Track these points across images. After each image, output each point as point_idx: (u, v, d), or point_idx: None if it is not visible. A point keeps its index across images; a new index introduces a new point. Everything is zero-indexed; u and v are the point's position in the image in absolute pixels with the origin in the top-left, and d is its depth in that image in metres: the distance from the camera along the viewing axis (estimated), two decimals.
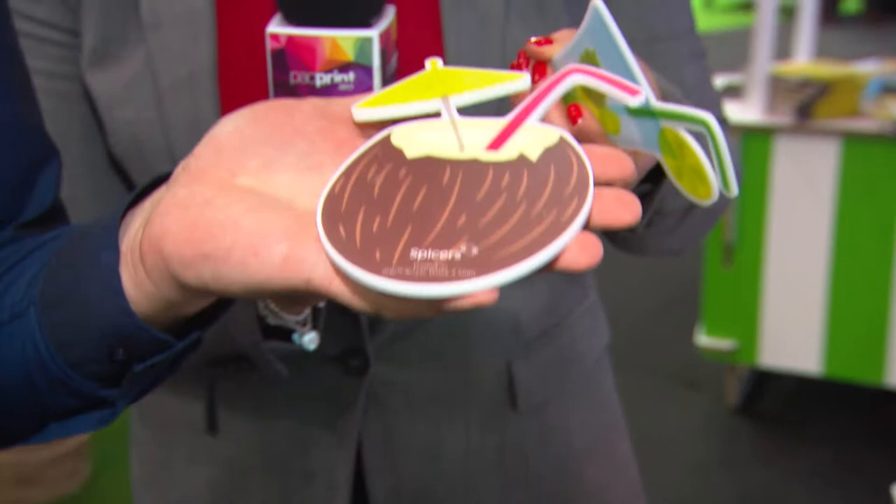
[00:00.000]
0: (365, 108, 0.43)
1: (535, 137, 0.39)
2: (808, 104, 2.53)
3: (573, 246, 0.35)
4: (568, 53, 0.58)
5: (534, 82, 0.61)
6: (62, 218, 0.56)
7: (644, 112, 0.53)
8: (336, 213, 0.38)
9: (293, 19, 0.64)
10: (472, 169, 0.38)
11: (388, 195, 0.38)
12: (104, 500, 2.47)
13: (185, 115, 0.70)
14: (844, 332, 2.63)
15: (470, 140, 0.40)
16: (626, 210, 0.37)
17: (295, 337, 0.69)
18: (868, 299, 2.59)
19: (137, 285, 0.43)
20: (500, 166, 0.38)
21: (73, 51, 0.71)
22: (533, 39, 0.59)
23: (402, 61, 0.69)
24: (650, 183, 0.67)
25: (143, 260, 0.42)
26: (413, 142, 0.40)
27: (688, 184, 0.54)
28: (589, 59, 0.55)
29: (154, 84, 0.70)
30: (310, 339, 0.69)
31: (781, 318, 2.70)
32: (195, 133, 0.70)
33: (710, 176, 0.51)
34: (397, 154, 0.40)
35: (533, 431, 0.81)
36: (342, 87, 0.63)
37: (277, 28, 0.64)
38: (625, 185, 0.40)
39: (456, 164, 0.39)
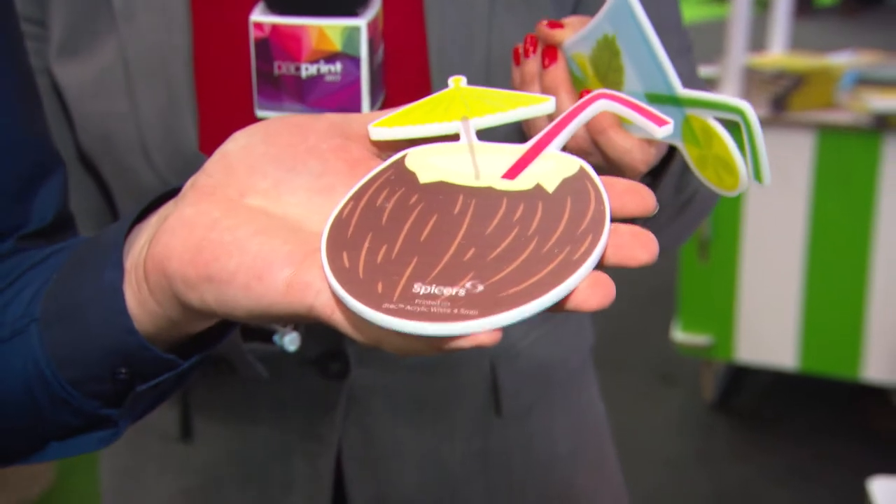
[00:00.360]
0: (381, 128, 0.42)
1: (554, 166, 0.38)
2: (783, 96, 2.54)
3: (584, 285, 0.34)
4: (583, 38, 0.57)
5: (544, 67, 0.61)
6: (70, 229, 0.55)
7: (667, 99, 0.53)
8: (342, 239, 0.37)
9: (277, 8, 0.62)
10: (486, 198, 0.37)
11: (396, 222, 0.37)
12: None
13: (159, 108, 0.68)
14: (820, 327, 2.64)
15: (486, 166, 0.39)
16: (642, 248, 0.36)
17: (276, 338, 0.68)
18: (844, 293, 2.61)
19: (141, 303, 0.43)
20: (514, 196, 0.37)
21: (42, 43, 0.70)
22: (545, 22, 0.58)
23: (386, 52, 0.68)
24: (649, 176, 0.66)
25: (146, 278, 0.42)
26: (427, 166, 0.40)
27: (712, 174, 0.54)
28: (608, 44, 0.54)
29: (126, 75, 0.68)
30: (290, 340, 0.68)
31: (757, 312, 2.72)
32: (170, 127, 0.68)
33: (738, 166, 0.51)
34: (410, 178, 0.39)
35: (517, 437, 0.81)
36: (328, 78, 0.62)
37: (261, 16, 0.62)
38: (645, 217, 0.39)
39: (469, 192, 0.38)
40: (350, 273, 0.35)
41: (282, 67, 0.62)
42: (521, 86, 0.63)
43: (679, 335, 2.77)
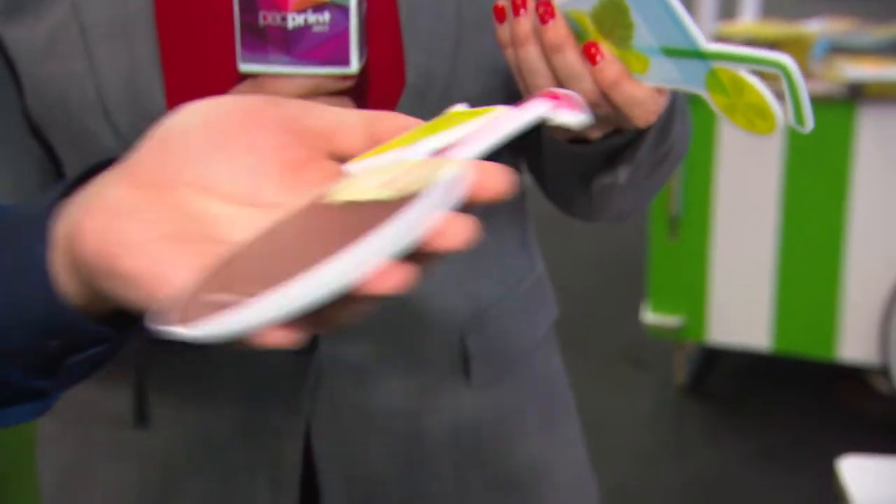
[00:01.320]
0: (356, 163, 0.43)
1: (430, 171, 0.37)
2: None
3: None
4: None
5: (543, 23, 0.61)
6: None
7: (689, 53, 0.56)
8: (219, 268, 0.38)
9: None
10: (336, 211, 0.38)
11: (258, 240, 0.39)
12: None
13: (119, 66, 0.67)
14: (794, 306, 2.65)
15: (387, 179, 0.38)
16: (455, 233, 0.35)
17: None
18: (818, 270, 2.61)
19: (67, 279, 0.43)
20: (361, 206, 0.37)
21: None
22: None
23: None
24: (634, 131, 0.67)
25: (69, 253, 0.42)
26: (343, 187, 0.40)
27: (743, 120, 0.59)
28: (613, 2, 0.57)
29: (82, 32, 0.66)
30: None
31: (729, 292, 2.71)
32: (133, 85, 0.67)
33: (775, 111, 0.56)
34: (320, 198, 0.40)
35: (488, 409, 0.81)
36: (316, 29, 0.62)
37: None
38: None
39: (333, 208, 0.38)
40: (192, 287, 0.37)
41: (267, 17, 0.62)
42: (514, 45, 0.62)
43: (649, 316, 2.76)
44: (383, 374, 0.76)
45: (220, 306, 0.34)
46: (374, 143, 0.43)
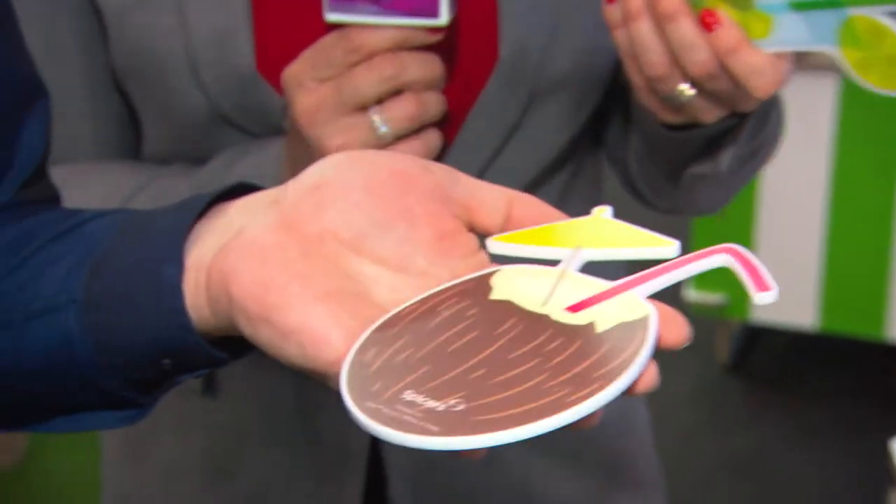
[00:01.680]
0: (500, 242, 0.44)
1: (621, 309, 0.40)
2: None
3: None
4: None
5: (706, 27, 0.58)
6: (44, 175, 0.55)
7: (819, 3, 0.54)
8: (384, 333, 0.40)
9: None
10: (533, 324, 0.40)
11: (439, 330, 0.40)
12: (42, 479, 2.43)
13: (210, 25, 0.66)
14: (842, 284, 2.62)
15: (563, 296, 0.41)
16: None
17: None
18: (867, 248, 2.58)
19: (196, 304, 0.43)
20: (559, 328, 0.39)
21: None
22: None
23: None
24: (737, 116, 0.66)
25: (208, 286, 0.43)
26: (508, 284, 0.42)
27: (877, 76, 0.56)
28: None
29: None
30: None
31: (775, 269, 2.63)
32: (224, 42, 0.67)
33: None
34: (484, 292, 0.42)
35: None
36: None
37: None
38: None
39: (523, 317, 0.40)
40: (364, 366, 0.38)
41: None
42: (626, 21, 0.61)
43: (692, 294, 2.74)
44: None
45: (445, 419, 0.35)
46: (510, 223, 0.44)
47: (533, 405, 0.35)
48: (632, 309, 0.40)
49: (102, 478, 0.84)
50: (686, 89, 0.62)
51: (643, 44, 0.60)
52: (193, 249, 0.44)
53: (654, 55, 0.60)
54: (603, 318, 0.39)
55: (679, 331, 0.39)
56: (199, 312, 0.44)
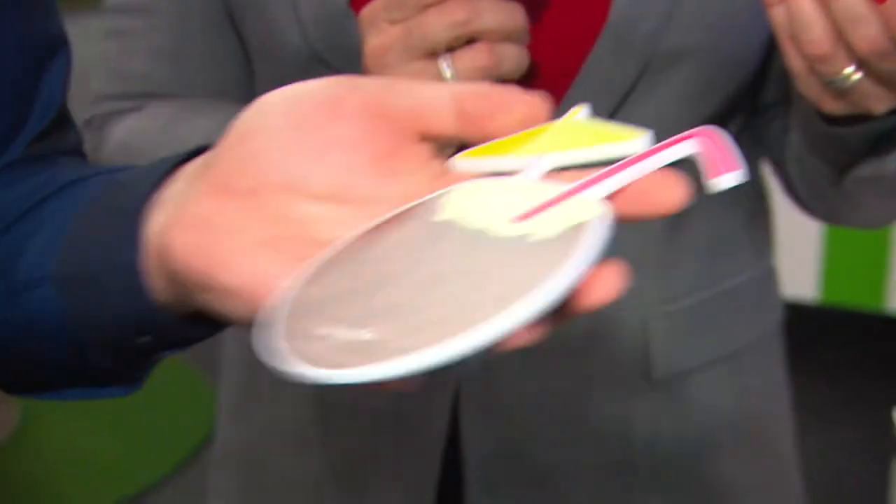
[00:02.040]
0: (465, 159, 0.41)
1: (573, 212, 0.36)
2: None
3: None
4: None
5: None
6: (67, 123, 0.55)
7: None
8: (316, 270, 0.38)
9: None
10: (469, 242, 0.37)
11: (374, 260, 0.38)
12: (34, 451, 2.43)
13: None
14: (843, 255, 2.62)
15: (516, 206, 0.38)
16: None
17: None
18: None
19: (159, 285, 0.43)
20: (494, 243, 0.36)
21: None
22: None
23: None
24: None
25: (160, 266, 0.42)
26: (459, 202, 0.39)
27: None
28: None
29: None
30: None
31: (775, 241, 2.68)
32: None
33: None
34: (429, 213, 0.39)
35: (669, 407, 0.75)
36: None
37: None
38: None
39: (461, 235, 0.38)
40: (285, 306, 0.37)
41: None
42: None
43: None
44: (546, 351, 0.74)
45: (360, 349, 0.33)
46: (467, 123, 0.40)
47: (453, 326, 0.33)
48: (584, 211, 0.36)
49: (217, 435, 0.87)
50: (852, 72, 0.56)
51: (803, 19, 0.55)
52: (150, 227, 0.43)
53: (815, 32, 0.55)
54: (547, 225, 0.36)
55: (676, 190, 0.35)
56: (164, 291, 0.43)
